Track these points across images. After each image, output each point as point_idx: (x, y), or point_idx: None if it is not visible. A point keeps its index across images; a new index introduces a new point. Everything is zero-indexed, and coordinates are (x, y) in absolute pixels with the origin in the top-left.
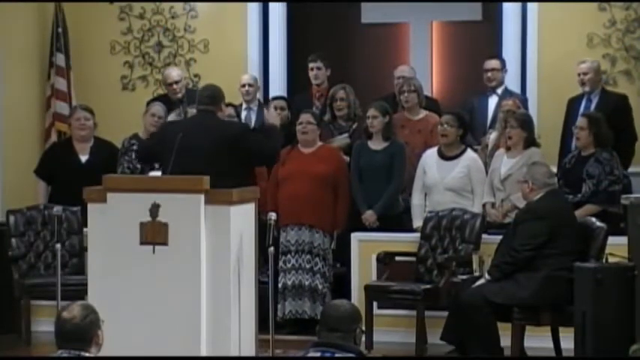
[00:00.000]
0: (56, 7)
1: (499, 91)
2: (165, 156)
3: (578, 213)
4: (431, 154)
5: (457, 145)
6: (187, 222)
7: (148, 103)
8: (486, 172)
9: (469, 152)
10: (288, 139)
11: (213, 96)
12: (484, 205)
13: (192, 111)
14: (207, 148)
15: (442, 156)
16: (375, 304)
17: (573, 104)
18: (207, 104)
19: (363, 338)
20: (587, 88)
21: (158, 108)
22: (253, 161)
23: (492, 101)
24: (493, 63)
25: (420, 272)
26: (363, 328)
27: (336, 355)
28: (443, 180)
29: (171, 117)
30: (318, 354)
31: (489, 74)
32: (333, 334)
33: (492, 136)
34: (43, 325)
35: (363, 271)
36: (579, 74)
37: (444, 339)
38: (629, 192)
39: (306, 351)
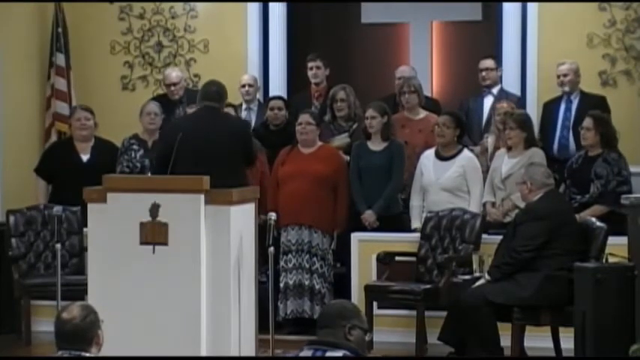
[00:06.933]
0: (56, 7)
1: (495, 91)
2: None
3: (585, 213)
4: (428, 155)
5: (454, 145)
6: (187, 222)
7: None
8: (486, 176)
9: (465, 152)
10: (287, 139)
11: (220, 93)
12: (484, 204)
13: (190, 111)
14: (221, 144)
15: (439, 156)
16: (375, 304)
17: (551, 106)
18: (215, 100)
19: (367, 337)
20: (566, 89)
21: (152, 106)
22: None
23: (488, 101)
24: (487, 62)
25: (420, 272)
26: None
27: (327, 353)
28: (438, 180)
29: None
30: (310, 352)
31: (483, 73)
32: (323, 330)
33: (490, 140)
34: (43, 325)
35: (363, 271)
36: (559, 76)
37: (442, 339)
38: (629, 192)
39: (300, 350)
